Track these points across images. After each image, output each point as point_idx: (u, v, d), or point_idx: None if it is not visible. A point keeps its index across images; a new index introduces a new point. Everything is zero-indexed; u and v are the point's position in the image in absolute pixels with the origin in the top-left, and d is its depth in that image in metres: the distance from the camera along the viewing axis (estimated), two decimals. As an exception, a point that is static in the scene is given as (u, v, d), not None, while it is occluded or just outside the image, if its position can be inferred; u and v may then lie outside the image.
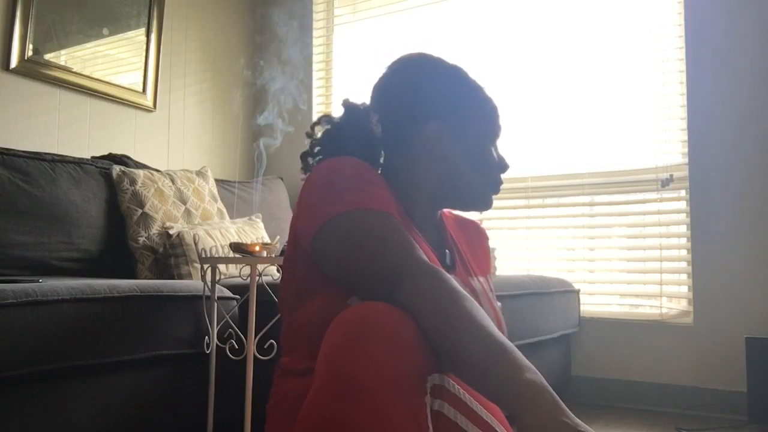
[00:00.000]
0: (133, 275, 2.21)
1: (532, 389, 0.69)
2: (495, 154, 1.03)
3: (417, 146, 1.00)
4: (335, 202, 0.85)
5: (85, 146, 2.65)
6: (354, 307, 0.75)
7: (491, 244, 3.09)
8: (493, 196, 1.05)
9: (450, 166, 1.00)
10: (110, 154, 2.54)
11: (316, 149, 1.04)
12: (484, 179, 1.02)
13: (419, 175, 1.00)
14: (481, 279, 1.06)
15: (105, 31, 2.80)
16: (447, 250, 1.02)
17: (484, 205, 1.04)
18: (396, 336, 0.71)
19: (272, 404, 0.96)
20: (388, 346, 0.70)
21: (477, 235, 1.16)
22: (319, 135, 1.05)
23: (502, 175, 1.04)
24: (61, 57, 2.64)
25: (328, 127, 1.05)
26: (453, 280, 0.80)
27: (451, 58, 1.06)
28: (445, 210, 1.13)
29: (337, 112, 1.08)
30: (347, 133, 1.03)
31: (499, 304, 1.05)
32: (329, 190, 0.87)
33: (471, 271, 1.06)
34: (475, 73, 1.07)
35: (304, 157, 1.04)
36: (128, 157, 2.55)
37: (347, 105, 1.06)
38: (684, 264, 2.57)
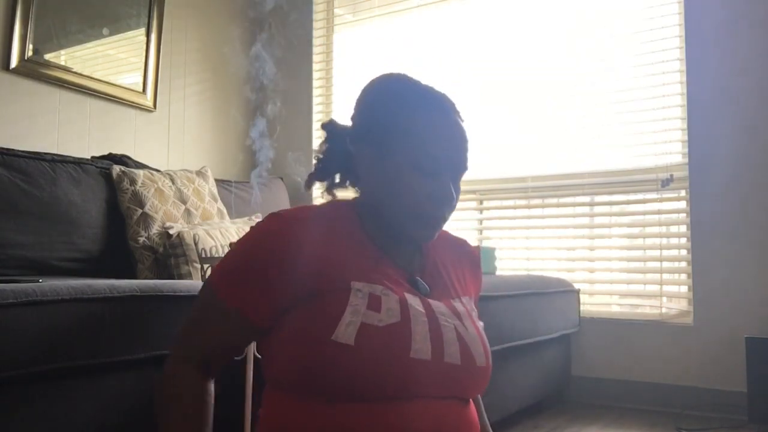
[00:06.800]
0: (133, 275, 2.20)
1: None
2: (429, 186, 0.94)
3: (358, 167, 1.02)
4: (214, 275, 0.95)
5: (85, 146, 2.65)
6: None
7: (492, 244, 3.07)
8: (430, 231, 0.97)
9: (371, 192, 1.00)
10: (110, 154, 2.54)
11: (317, 169, 1.08)
12: (406, 211, 0.95)
13: (360, 195, 1.04)
14: (464, 300, 1.03)
15: (105, 31, 2.80)
16: (418, 278, 0.99)
17: (413, 238, 0.98)
18: None
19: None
20: None
21: (466, 255, 1.12)
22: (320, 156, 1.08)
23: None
24: (61, 57, 2.64)
25: (320, 153, 1.07)
26: (172, 385, 0.93)
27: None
28: None
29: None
30: (330, 156, 1.05)
31: (481, 324, 1.03)
32: (224, 263, 0.96)
33: (454, 292, 1.03)
34: (436, 93, 1.01)
35: (310, 177, 1.08)
36: (128, 157, 2.55)
37: (326, 126, 1.07)
38: (684, 264, 2.57)
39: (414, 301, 0.93)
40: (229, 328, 0.92)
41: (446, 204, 0.96)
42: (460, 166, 0.98)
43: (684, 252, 2.59)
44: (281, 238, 0.90)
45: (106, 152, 2.56)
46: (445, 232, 1.12)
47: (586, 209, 2.81)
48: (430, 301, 0.96)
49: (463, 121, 1.00)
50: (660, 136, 2.62)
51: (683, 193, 2.57)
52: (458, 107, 1.01)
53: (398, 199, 0.95)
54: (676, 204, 2.61)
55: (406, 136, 0.95)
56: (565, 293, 2.56)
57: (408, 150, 0.95)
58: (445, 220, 0.98)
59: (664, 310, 2.61)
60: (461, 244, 1.14)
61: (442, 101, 0.99)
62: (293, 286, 0.89)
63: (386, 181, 0.96)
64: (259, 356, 0.97)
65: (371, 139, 0.98)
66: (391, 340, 0.86)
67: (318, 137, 3.37)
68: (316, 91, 3.38)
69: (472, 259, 1.13)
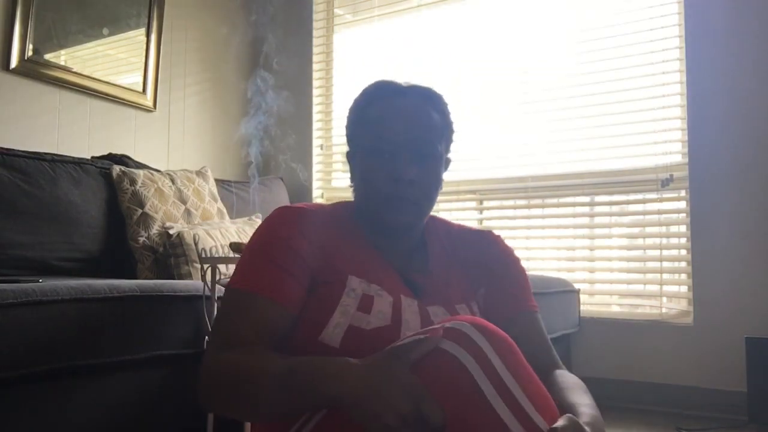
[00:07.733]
0: (133, 275, 2.20)
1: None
2: (387, 167, 0.96)
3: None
4: (235, 275, 0.94)
5: (85, 146, 2.65)
6: None
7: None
8: (400, 214, 0.97)
9: (356, 190, 1.04)
10: (110, 154, 2.54)
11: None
12: (374, 196, 0.98)
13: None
14: (472, 303, 1.01)
15: (105, 31, 2.80)
16: (412, 279, 0.99)
17: (387, 224, 0.98)
18: None
19: None
20: None
21: (488, 247, 1.10)
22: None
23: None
24: (61, 57, 2.64)
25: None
26: (233, 359, 0.84)
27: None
28: (449, 224, 1.11)
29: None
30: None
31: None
32: (242, 261, 0.95)
33: (460, 295, 1.01)
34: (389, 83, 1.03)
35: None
36: (128, 157, 2.55)
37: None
38: (684, 264, 2.57)
39: (409, 305, 0.93)
40: (258, 313, 0.88)
41: (405, 183, 0.95)
42: (422, 146, 0.97)
43: (684, 252, 2.59)
44: (289, 226, 0.94)
45: (106, 152, 2.56)
46: (469, 229, 1.13)
47: (586, 209, 2.81)
48: (429, 307, 0.95)
49: (439, 110, 1.01)
50: (660, 136, 2.62)
51: (683, 193, 2.57)
52: (437, 98, 1.02)
53: (366, 187, 0.99)
54: (676, 204, 2.61)
55: (366, 125, 1.00)
56: (565, 293, 2.56)
57: (367, 138, 0.99)
58: (413, 202, 0.97)
59: (664, 310, 2.61)
60: (482, 237, 1.12)
61: (406, 89, 1.01)
62: (305, 269, 0.92)
63: (358, 173, 1.01)
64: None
65: (348, 140, 1.05)
66: (377, 343, 0.84)
67: (318, 137, 3.37)
68: (315, 91, 3.38)
69: (495, 248, 1.12)
